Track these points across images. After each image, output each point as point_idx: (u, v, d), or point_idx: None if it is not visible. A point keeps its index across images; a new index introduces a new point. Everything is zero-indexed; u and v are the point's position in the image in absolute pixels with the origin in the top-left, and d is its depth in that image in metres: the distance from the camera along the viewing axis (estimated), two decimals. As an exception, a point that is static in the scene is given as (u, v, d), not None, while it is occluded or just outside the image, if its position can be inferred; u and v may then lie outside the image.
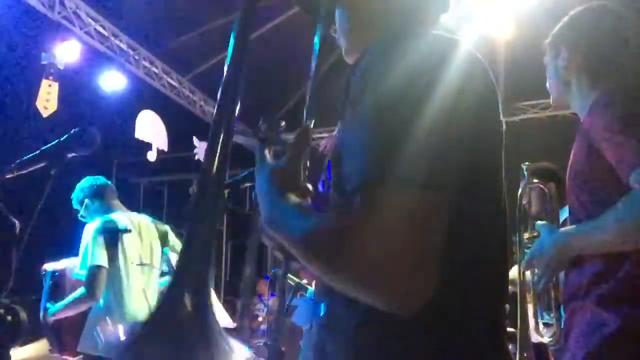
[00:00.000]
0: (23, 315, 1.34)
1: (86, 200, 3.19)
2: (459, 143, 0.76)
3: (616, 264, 1.38)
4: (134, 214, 3.30)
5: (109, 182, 3.33)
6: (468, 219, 0.79)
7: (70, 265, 3.09)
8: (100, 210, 3.16)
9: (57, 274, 3.05)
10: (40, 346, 4.00)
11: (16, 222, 1.28)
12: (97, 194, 3.20)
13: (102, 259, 2.91)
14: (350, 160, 0.79)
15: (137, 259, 3.07)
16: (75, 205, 3.26)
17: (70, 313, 2.95)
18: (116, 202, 3.26)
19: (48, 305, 2.96)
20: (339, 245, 0.72)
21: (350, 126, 0.82)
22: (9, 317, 1.30)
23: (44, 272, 3.07)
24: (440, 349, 0.79)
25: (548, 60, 1.69)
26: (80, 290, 2.89)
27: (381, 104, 0.76)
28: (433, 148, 0.73)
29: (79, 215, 3.25)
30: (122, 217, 3.16)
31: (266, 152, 0.94)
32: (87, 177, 3.30)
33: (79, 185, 3.26)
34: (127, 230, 3.03)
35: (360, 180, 0.73)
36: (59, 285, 3.04)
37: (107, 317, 2.94)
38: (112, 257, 2.95)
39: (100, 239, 2.94)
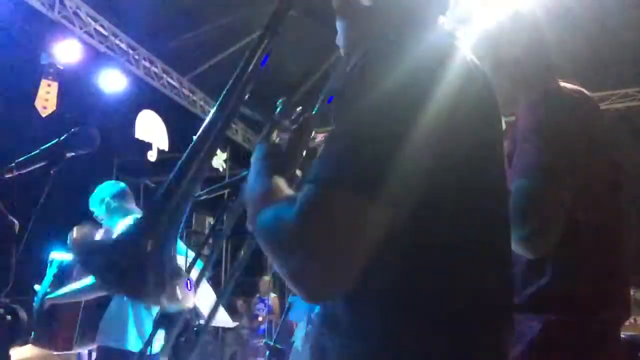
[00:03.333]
0: (23, 315, 1.34)
1: (107, 199, 3.22)
2: (443, 159, 0.80)
3: (537, 271, 1.37)
4: None
5: (127, 188, 3.37)
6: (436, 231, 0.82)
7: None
8: (120, 211, 3.20)
9: (65, 262, 3.06)
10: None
11: (15, 221, 1.28)
12: (118, 195, 3.24)
13: None
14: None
15: None
16: (93, 206, 3.28)
17: (75, 299, 2.97)
18: (134, 206, 3.30)
19: (48, 290, 2.97)
20: (277, 233, 0.80)
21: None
22: (9, 317, 1.30)
23: (51, 260, 3.08)
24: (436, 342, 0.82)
25: (495, 66, 1.56)
26: (90, 279, 2.89)
27: (362, 116, 0.79)
28: (392, 163, 0.75)
29: (94, 216, 3.28)
30: None
31: (274, 133, 0.99)
32: (107, 181, 3.38)
33: (99, 187, 3.30)
34: None
35: (312, 176, 0.78)
36: (66, 275, 3.05)
37: (128, 313, 2.98)
38: None
39: None
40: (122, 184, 3.35)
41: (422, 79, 0.80)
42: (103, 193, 3.25)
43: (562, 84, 1.50)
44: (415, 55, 0.83)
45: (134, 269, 0.80)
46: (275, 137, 1.00)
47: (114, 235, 0.86)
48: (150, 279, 0.81)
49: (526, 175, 1.33)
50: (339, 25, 1.08)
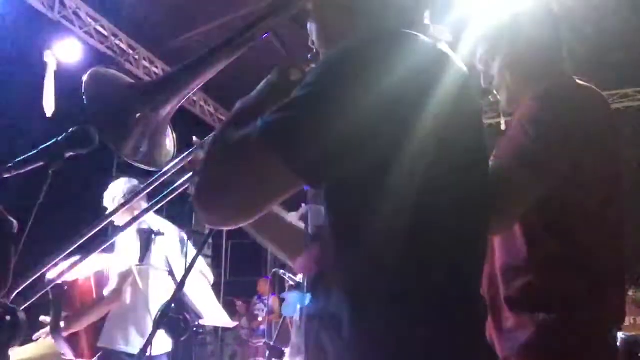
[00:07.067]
0: (22, 315, 1.33)
1: (118, 197, 3.19)
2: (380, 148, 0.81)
3: (530, 263, 1.35)
4: (160, 218, 3.31)
5: (139, 186, 3.34)
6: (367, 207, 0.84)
7: (78, 271, 3.02)
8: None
9: (65, 287, 2.95)
10: (41, 346, 3.98)
11: (14, 221, 1.28)
12: (130, 193, 3.18)
13: (137, 258, 2.95)
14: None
15: (162, 262, 3.09)
16: (107, 203, 3.24)
17: (95, 319, 2.95)
18: (146, 204, 3.25)
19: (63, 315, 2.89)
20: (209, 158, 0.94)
21: None
22: (8, 317, 1.29)
23: (50, 281, 2.99)
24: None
25: (501, 65, 1.55)
26: (109, 287, 2.91)
27: (314, 88, 0.83)
28: (324, 139, 0.79)
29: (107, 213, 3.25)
30: (155, 220, 3.18)
31: (293, 69, 1.06)
32: (120, 179, 3.32)
33: (112, 185, 3.27)
34: (160, 234, 3.05)
35: (262, 120, 0.83)
36: (67, 297, 2.96)
37: (130, 315, 2.98)
38: (145, 258, 2.98)
39: (137, 239, 2.97)
40: (135, 182, 3.29)
41: (379, 69, 0.82)
42: (115, 191, 3.23)
43: (574, 79, 1.48)
44: (384, 50, 0.84)
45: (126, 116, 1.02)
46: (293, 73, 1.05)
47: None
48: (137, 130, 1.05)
49: (503, 158, 1.31)
50: (312, 27, 1.06)
